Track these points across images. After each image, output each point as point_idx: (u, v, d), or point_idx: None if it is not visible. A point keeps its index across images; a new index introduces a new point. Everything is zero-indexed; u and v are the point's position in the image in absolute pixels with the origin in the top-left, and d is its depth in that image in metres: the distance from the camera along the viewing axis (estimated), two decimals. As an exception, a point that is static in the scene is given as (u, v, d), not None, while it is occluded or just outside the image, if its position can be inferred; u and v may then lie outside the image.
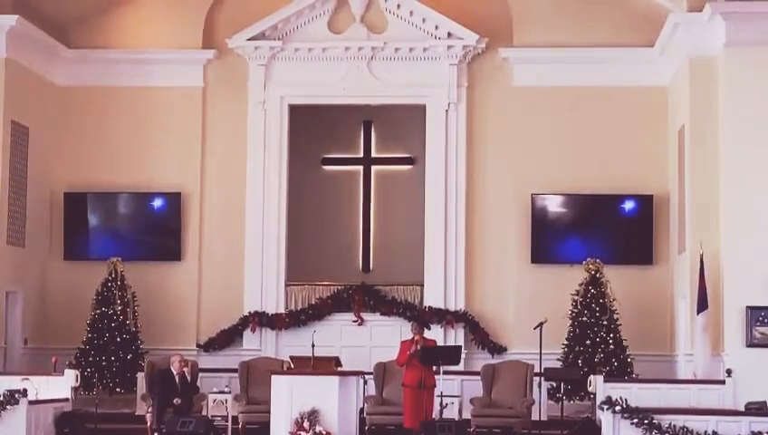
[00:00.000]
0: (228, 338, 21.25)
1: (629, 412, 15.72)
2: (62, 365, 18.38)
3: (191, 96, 21.75)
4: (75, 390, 18.22)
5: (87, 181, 21.70)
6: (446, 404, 16.90)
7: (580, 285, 19.97)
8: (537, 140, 21.18)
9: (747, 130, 18.26)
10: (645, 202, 20.89)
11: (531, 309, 20.26)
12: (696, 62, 19.03)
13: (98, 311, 20.45)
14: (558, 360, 19.64)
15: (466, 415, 18.12)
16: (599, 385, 17.59)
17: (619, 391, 16.74)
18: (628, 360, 19.59)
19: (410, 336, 16.76)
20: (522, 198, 21.11)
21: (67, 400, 17.88)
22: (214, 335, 21.27)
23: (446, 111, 21.37)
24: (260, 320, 21.16)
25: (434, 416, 16.42)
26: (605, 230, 20.90)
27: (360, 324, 21.18)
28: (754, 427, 15.59)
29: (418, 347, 16.47)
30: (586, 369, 19.06)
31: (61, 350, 19.93)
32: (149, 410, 17.49)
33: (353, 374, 16.72)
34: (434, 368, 16.49)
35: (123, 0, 21.86)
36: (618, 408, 15.76)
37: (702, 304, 18.17)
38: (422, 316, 20.59)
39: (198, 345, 21.25)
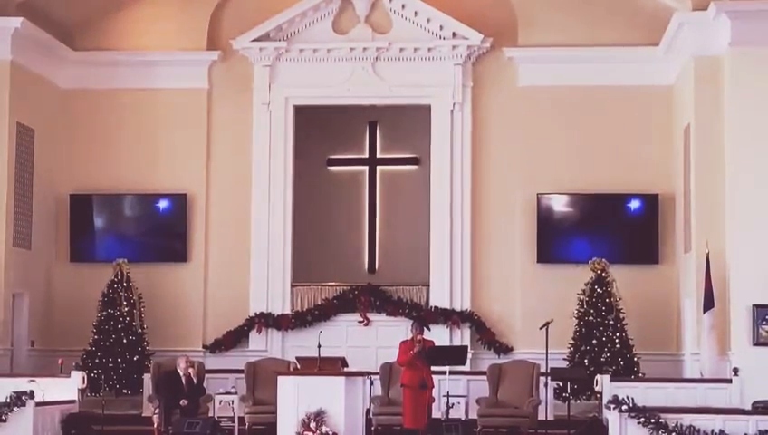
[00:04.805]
0: (234, 339, 21.26)
1: (636, 412, 15.73)
2: (69, 367, 18.45)
3: (196, 98, 21.77)
4: (82, 391, 18.27)
5: (92, 183, 21.72)
6: (453, 404, 16.92)
7: (586, 284, 19.96)
8: (542, 139, 21.17)
9: (753, 128, 18.23)
10: (650, 201, 20.88)
11: (537, 309, 20.25)
12: (701, 62, 19.02)
13: (104, 312, 20.46)
14: (564, 359, 19.63)
15: (473, 415, 18.15)
16: (605, 385, 17.60)
17: (625, 390, 16.74)
18: (635, 359, 19.58)
19: (410, 336, 16.81)
20: (527, 198, 21.11)
21: (74, 401, 17.93)
22: (220, 336, 21.28)
23: (451, 111, 21.37)
24: (266, 321, 21.16)
25: (433, 416, 16.49)
26: (611, 230, 20.89)
27: (365, 325, 21.18)
28: (761, 426, 15.58)
29: (421, 347, 16.49)
30: (592, 368, 19.05)
31: (67, 352, 20.02)
32: (156, 411, 17.51)
33: (359, 375, 16.72)
34: (431, 368, 16.55)
35: (128, 2, 21.89)
36: (624, 407, 15.77)
37: (708, 303, 18.17)
38: (427, 317, 20.61)
39: (204, 346, 21.26)
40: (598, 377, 17.96)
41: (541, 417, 18.23)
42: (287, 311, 21.28)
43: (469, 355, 19.47)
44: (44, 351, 20.88)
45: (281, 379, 16.46)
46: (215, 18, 21.90)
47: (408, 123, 22.15)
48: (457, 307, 21.03)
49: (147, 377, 19.25)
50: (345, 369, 16.71)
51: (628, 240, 20.84)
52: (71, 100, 21.84)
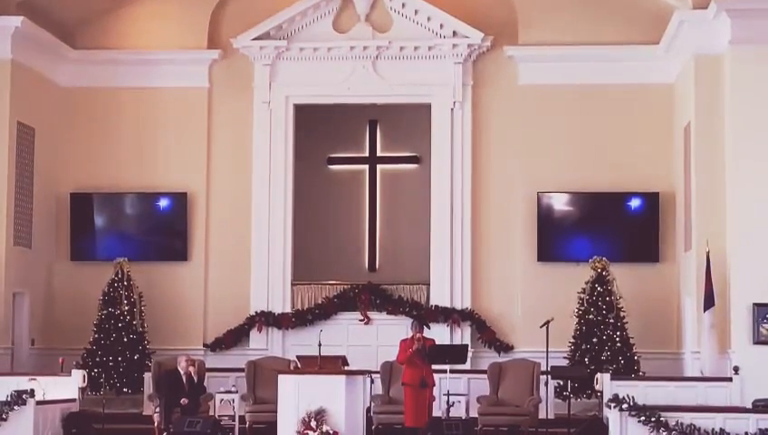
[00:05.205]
0: (235, 338, 21.26)
1: (636, 410, 15.72)
2: (70, 366, 18.45)
3: (196, 96, 21.76)
4: (82, 390, 18.28)
5: (93, 182, 21.72)
6: (453, 403, 16.92)
7: (587, 283, 19.96)
8: (543, 138, 21.16)
9: (753, 127, 18.21)
10: (651, 200, 20.87)
11: (537, 307, 20.25)
12: (701, 60, 19.01)
13: (104, 311, 20.46)
14: (565, 358, 19.63)
15: (473, 414, 18.15)
16: (605, 383, 17.60)
17: (625, 388, 16.74)
18: (635, 358, 19.57)
19: (410, 335, 16.82)
20: (528, 197, 21.10)
21: (74, 400, 17.94)
22: (220, 335, 21.28)
23: (452, 109, 21.37)
24: (266, 319, 21.17)
25: (433, 414, 16.49)
26: (611, 228, 20.88)
27: (366, 323, 21.19)
28: (762, 424, 15.58)
29: (421, 345, 16.51)
30: (593, 367, 19.05)
31: (68, 350, 20.02)
32: (157, 410, 17.51)
33: (360, 373, 16.73)
34: (432, 367, 16.56)
35: (128, 1, 21.88)
36: (625, 406, 15.77)
37: (708, 302, 18.16)
38: (428, 315, 20.63)
39: (205, 345, 21.27)
40: (598, 375, 17.97)
41: (541, 415, 18.24)
42: (288, 309, 21.29)
43: (470, 354, 19.47)
44: (45, 349, 20.89)
45: (281, 377, 16.47)
46: (215, 17, 21.90)
47: (409, 122, 22.15)
48: (458, 306, 21.03)
49: (147, 376, 19.27)
50: (346, 368, 16.72)
51: (628, 239, 20.83)
52: (71, 98, 21.83)
